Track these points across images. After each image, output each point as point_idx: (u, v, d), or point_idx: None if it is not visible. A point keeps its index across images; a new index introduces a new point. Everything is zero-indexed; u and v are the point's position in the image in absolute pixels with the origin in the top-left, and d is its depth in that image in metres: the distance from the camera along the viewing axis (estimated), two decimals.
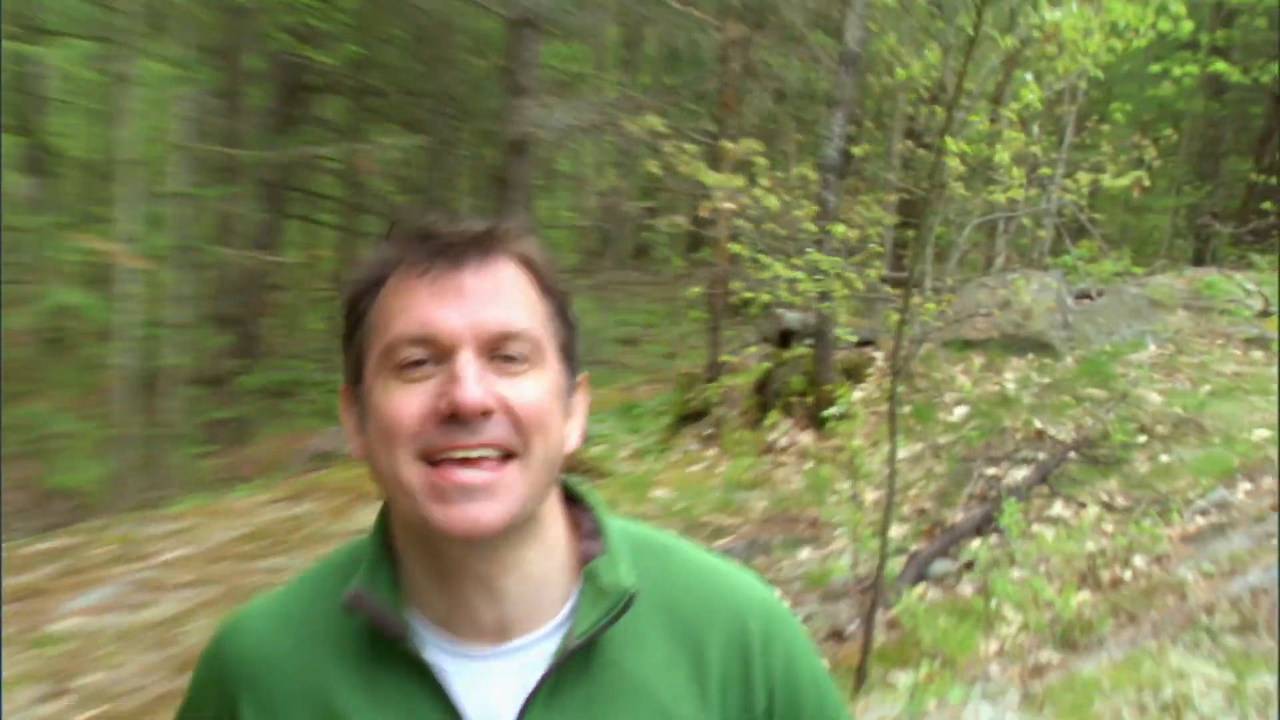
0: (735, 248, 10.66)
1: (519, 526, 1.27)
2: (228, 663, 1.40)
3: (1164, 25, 9.49)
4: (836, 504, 9.24)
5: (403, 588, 1.36)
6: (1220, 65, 13.84)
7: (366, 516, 7.86)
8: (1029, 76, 9.07)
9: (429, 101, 18.41)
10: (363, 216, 20.54)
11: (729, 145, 11.24)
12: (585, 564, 1.37)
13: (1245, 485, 7.99)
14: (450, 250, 1.25)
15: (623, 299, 22.25)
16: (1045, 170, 10.72)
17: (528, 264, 1.31)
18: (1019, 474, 9.09)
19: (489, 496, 1.20)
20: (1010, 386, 10.90)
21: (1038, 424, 10.00)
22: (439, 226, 1.30)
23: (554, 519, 1.37)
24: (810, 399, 11.79)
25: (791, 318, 13.40)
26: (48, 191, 20.30)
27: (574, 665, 1.32)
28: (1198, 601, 6.38)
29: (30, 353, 17.26)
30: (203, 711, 1.42)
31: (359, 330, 1.30)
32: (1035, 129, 10.38)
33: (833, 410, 10.27)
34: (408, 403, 1.21)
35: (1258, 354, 11.21)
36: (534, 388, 1.25)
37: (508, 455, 1.23)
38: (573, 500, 1.43)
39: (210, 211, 14.46)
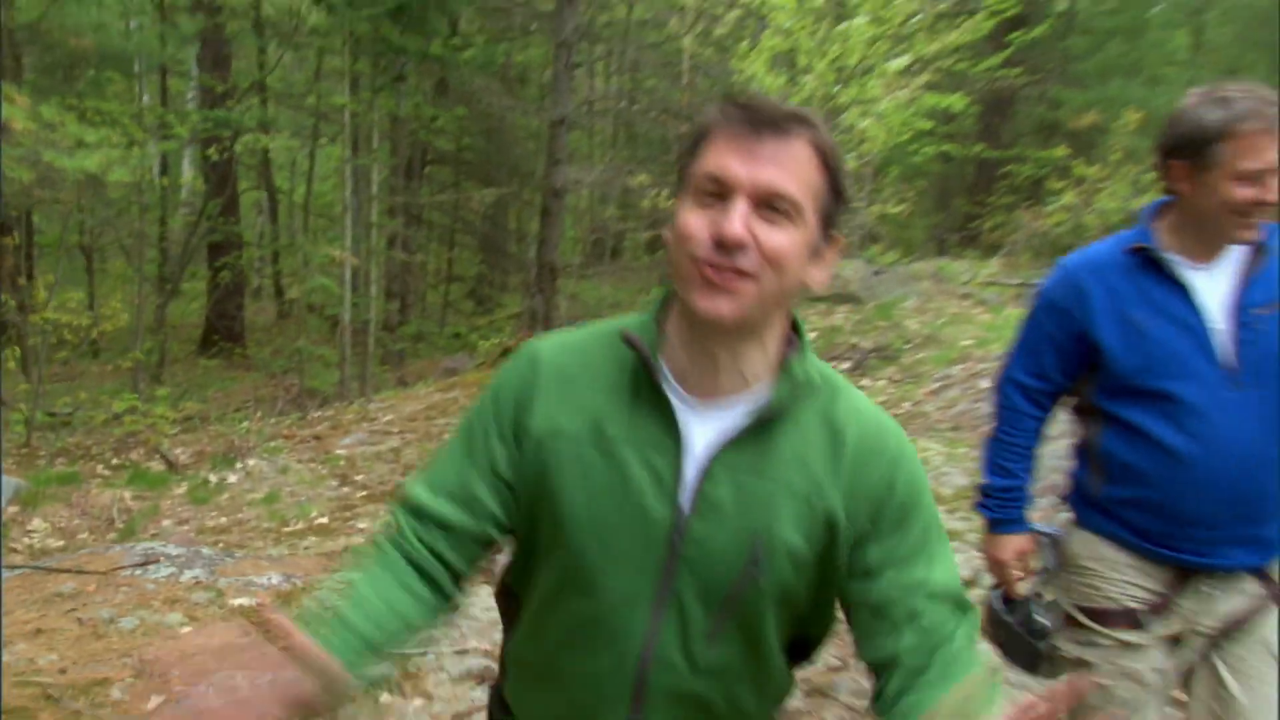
0: None
1: (744, 327, 1.12)
2: (538, 364, 1.25)
3: (920, 126, 10.59)
4: None
5: (661, 346, 1.20)
6: (948, 146, 14.56)
7: None
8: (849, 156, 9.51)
9: (502, 169, 18.18)
10: (461, 235, 19.99)
11: None
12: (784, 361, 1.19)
13: (959, 366, 8.59)
14: (756, 121, 1.10)
15: (610, 278, 21.20)
16: (856, 204, 11.40)
17: (815, 145, 1.11)
18: (845, 365, 9.54)
19: (728, 298, 1.08)
20: (839, 320, 11.26)
21: (853, 339, 10.46)
22: (754, 102, 1.13)
23: (774, 334, 1.18)
24: None
25: None
26: (285, 222, 19.59)
27: (759, 427, 1.16)
28: (934, 420, 7.30)
29: (300, 312, 16.39)
30: (508, 394, 1.25)
31: (688, 160, 1.15)
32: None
33: None
34: (695, 221, 1.08)
35: (967, 303, 11.46)
36: (783, 237, 1.08)
37: (751, 276, 1.08)
38: (795, 326, 1.22)
39: (385, 231, 14.51)
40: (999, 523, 2.11)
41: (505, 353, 12.14)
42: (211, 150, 12.46)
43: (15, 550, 7.15)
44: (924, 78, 10.89)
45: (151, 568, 5.71)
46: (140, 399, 10.67)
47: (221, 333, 15.92)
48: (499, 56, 14.25)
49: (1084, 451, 2.02)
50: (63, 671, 4.18)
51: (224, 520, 7.49)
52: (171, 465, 9.33)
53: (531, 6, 15.08)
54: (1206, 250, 1.86)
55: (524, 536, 1.26)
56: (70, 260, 15.60)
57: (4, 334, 11.12)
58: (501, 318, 18.22)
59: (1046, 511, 2.29)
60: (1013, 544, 2.10)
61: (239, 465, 9.05)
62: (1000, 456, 2.10)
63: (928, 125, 11.44)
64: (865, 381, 9.07)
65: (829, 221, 1.15)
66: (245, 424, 10.62)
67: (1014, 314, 9.61)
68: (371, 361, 13.70)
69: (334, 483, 8.42)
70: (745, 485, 1.15)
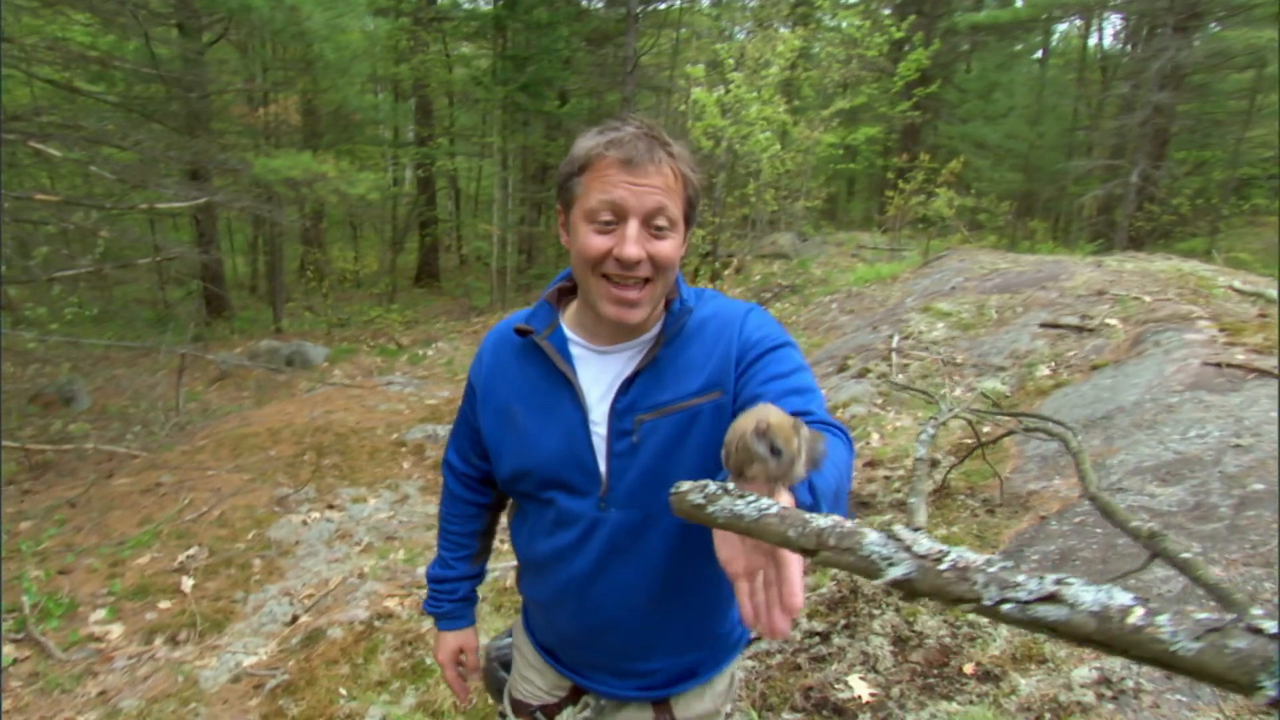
0: None
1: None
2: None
3: (833, 153, 11.75)
4: None
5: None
6: (879, 160, 14.40)
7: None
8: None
9: None
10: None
11: None
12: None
13: (838, 295, 8.75)
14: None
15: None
16: (791, 198, 12.65)
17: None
18: (768, 295, 9.96)
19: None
20: (774, 269, 11.51)
21: (780, 280, 10.67)
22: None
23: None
24: None
25: None
26: (464, 208, 20.34)
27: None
28: (798, 323, 7.96)
29: (469, 261, 18.52)
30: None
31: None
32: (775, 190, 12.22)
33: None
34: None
35: (852, 260, 11.51)
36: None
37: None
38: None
39: (519, 213, 15.34)
40: (437, 618, 1.37)
41: None
42: (420, 170, 15.27)
43: (333, 379, 10.12)
44: (838, 122, 12.32)
45: (391, 387, 9.11)
46: (384, 310, 13.61)
47: (426, 273, 17.83)
48: (587, 105, 15.92)
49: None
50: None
51: (425, 373, 9.85)
52: (399, 345, 11.50)
53: (608, 75, 16.71)
54: (600, 330, 1.09)
55: None
56: (342, 233, 18.75)
57: (317, 276, 14.07)
58: None
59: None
60: (448, 642, 1.36)
61: (434, 346, 11.20)
62: (441, 545, 1.35)
63: (862, 148, 12.75)
64: (778, 304, 9.91)
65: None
66: (439, 324, 12.96)
67: (885, 268, 10.26)
68: (510, 289, 15.30)
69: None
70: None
